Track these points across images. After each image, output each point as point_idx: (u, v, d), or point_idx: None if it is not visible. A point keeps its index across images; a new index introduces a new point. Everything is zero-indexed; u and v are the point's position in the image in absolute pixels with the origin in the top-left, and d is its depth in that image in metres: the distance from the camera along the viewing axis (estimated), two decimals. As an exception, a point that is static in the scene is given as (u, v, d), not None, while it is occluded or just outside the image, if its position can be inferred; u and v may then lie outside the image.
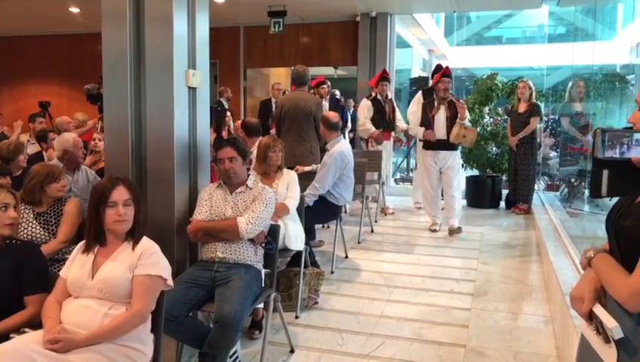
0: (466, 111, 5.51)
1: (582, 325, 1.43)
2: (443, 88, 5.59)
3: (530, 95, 6.62)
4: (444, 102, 5.62)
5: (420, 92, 6.55)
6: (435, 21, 13.33)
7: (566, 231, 5.12)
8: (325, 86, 7.27)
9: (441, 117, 5.63)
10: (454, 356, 3.15)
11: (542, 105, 7.26)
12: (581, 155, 6.70)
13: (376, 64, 8.84)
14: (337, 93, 8.50)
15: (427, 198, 6.02)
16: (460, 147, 5.98)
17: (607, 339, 1.29)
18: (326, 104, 7.34)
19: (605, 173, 1.45)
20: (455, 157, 5.78)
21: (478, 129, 6.89)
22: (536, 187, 7.41)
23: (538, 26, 18.57)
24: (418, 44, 13.29)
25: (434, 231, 5.92)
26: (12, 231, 2.34)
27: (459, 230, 5.75)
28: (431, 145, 5.75)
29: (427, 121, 5.71)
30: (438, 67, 6.71)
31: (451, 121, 5.58)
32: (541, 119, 7.04)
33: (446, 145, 5.62)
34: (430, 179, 5.88)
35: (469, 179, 7.49)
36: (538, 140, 7.17)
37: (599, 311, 1.32)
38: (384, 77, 6.90)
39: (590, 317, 1.35)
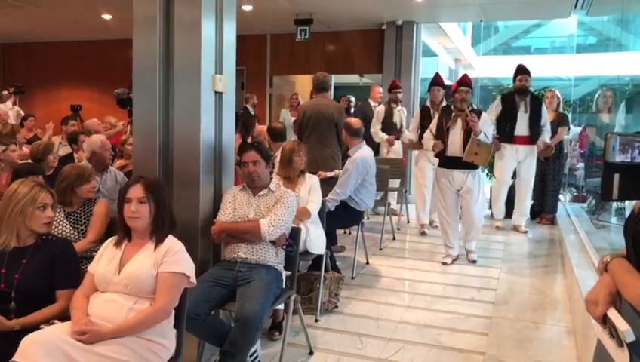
0: (478, 125, 4.64)
1: (597, 329, 1.44)
2: (460, 99, 4.81)
3: (558, 105, 6.60)
4: (461, 115, 4.81)
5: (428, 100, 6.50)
6: (462, 30, 13.29)
7: (592, 243, 5.05)
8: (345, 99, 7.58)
9: (457, 131, 4.83)
10: (473, 363, 3.14)
11: (569, 115, 7.21)
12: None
13: (401, 72, 8.86)
14: (352, 99, 8.53)
15: (442, 224, 5.18)
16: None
17: (620, 343, 1.29)
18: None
19: (616, 176, 1.46)
20: (475, 179, 4.90)
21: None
22: (561, 198, 7.32)
23: (568, 36, 18.35)
24: (444, 53, 13.26)
25: (444, 264, 5.05)
26: (48, 229, 2.44)
27: (474, 262, 5.12)
28: (444, 162, 4.95)
29: (441, 134, 4.90)
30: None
31: (469, 135, 4.82)
32: (569, 129, 6.97)
33: (461, 163, 4.78)
34: (445, 202, 5.03)
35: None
36: (565, 151, 7.09)
37: (613, 314, 1.33)
38: (396, 85, 7.13)
39: (604, 320, 1.36)
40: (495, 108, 6.22)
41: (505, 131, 6.07)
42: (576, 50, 15.47)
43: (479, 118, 4.72)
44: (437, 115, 5.17)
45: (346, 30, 9.49)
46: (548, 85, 7.54)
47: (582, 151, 7.96)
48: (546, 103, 6.66)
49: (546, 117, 6.14)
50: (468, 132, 4.70)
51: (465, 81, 4.92)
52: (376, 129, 6.89)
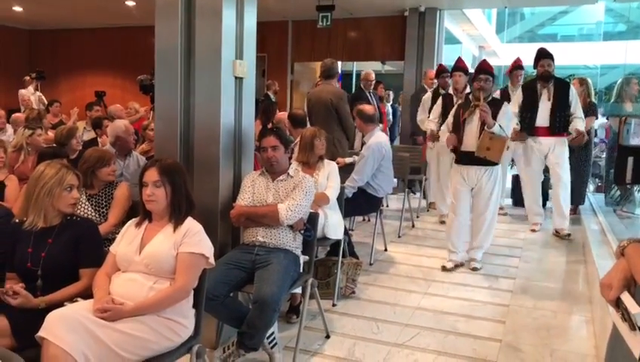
0: (490, 116, 4.14)
1: (612, 313, 1.43)
2: (478, 88, 4.28)
3: (588, 94, 6.35)
4: (479, 105, 4.25)
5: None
6: (486, 17, 13.10)
7: (614, 233, 4.98)
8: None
9: (473, 123, 4.31)
10: (489, 350, 3.15)
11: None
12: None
13: (423, 60, 8.80)
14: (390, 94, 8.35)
15: (449, 225, 4.67)
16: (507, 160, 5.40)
17: (632, 326, 1.29)
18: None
19: (630, 160, 1.45)
20: (491, 178, 4.38)
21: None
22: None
23: (596, 23, 17.95)
24: (468, 40, 13.10)
25: (444, 269, 4.54)
26: (74, 210, 2.51)
27: (475, 269, 4.53)
28: (459, 157, 4.48)
29: (457, 127, 4.43)
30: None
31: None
32: (597, 118, 6.80)
33: (476, 159, 4.27)
34: (457, 201, 4.54)
35: (516, 178, 7.36)
36: (592, 140, 6.95)
37: (626, 298, 1.32)
38: (443, 69, 6.64)
39: (617, 304, 1.36)
40: (516, 98, 5.67)
41: (525, 122, 5.53)
42: (603, 38, 15.14)
43: (499, 109, 4.25)
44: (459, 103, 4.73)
45: (368, 16, 9.44)
46: (573, 73, 7.40)
47: (605, 141, 7.83)
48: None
49: (577, 103, 5.39)
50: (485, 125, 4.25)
51: (484, 68, 4.36)
52: (422, 118, 6.47)
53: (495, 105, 4.25)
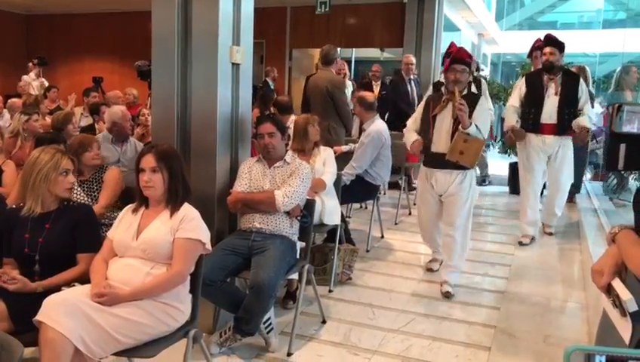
0: (466, 115, 3.44)
1: (603, 299, 1.46)
2: (452, 80, 3.57)
3: (585, 82, 6.28)
4: (453, 99, 3.54)
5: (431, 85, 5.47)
6: (486, 5, 13.03)
7: (610, 221, 5.01)
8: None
9: (445, 120, 3.62)
10: (483, 336, 3.18)
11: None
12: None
13: (422, 47, 8.75)
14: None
15: (421, 231, 4.21)
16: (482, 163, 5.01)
17: (623, 312, 1.31)
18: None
19: (622, 147, 1.46)
20: (463, 183, 3.67)
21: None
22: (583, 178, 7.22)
23: (596, 11, 17.88)
24: (467, 28, 13.03)
25: (430, 270, 4.19)
26: (70, 195, 2.52)
27: (447, 295, 3.72)
28: (427, 159, 3.80)
29: (426, 124, 3.72)
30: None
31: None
32: (593, 107, 6.79)
33: (445, 162, 3.57)
34: (425, 208, 3.94)
35: (512, 166, 7.37)
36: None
37: (617, 284, 1.34)
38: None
39: (609, 290, 1.38)
40: (518, 90, 4.97)
41: (529, 118, 4.83)
42: (602, 26, 15.08)
43: (475, 105, 3.58)
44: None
45: (367, 3, 9.39)
46: (572, 61, 7.38)
47: (604, 130, 7.83)
48: None
49: (586, 99, 4.77)
50: (459, 122, 3.52)
51: (460, 57, 3.66)
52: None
53: (470, 100, 3.55)
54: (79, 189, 3.19)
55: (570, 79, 4.80)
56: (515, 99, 4.95)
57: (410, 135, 3.80)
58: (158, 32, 3.10)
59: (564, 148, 4.83)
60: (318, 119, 3.92)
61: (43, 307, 2.00)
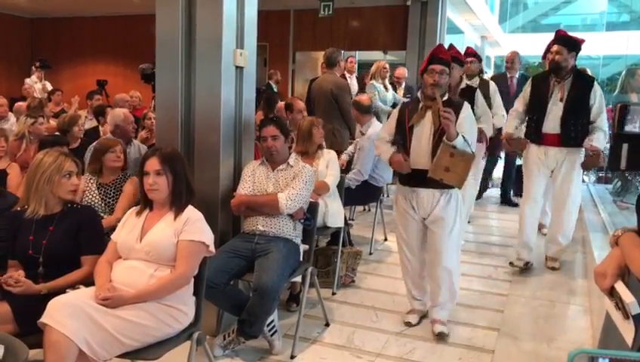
0: (454, 125, 2.89)
1: (606, 302, 1.46)
2: (431, 83, 3.02)
3: None
4: (432, 107, 3.03)
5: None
6: (489, 7, 13.04)
7: (614, 224, 4.99)
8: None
9: (424, 130, 3.05)
10: (487, 339, 3.18)
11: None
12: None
13: (425, 50, 8.73)
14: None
15: (403, 265, 3.43)
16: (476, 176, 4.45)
17: (626, 315, 1.31)
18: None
19: (625, 146, 1.47)
20: (449, 204, 3.10)
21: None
22: (585, 179, 7.21)
23: (600, 13, 17.86)
24: (470, 30, 13.04)
25: (408, 324, 3.35)
26: (74, 197, 2.53)
27: (441, 336, 3.16)
28: (404, 177, 3.18)
29: (402, 136, 3.13)
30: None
31: (441, 138, 2.96)
32: None
33: (427, 180, 2.99)
34: (407, 235, 3.28)
35: (518, 169, 7.36)
36: None
37: (620, 287, 1.35)
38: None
39: (611, 293, 1.38)
40: (523, 93, 4.39)
41: (530, 126, 4.27)
42: (606, 28, 15.06)
43: (458, 113, 3.03)
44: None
45: (370, 6, 9.40)
46: (576, 64, 7.36)
47: (609, 133, 7.82)
48: None
49: (601, 109, 3.95)
50: (441, 133, 2.96)
51: (439, 57, 3.09)
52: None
53: (452, 108, 2.97)
54: (96, 191, 3.22)
55: (582, 83, 4.04)
56: (519, 104, 4.41)
57: (385, 147, 3.20)
58: (162, 35, 3.12)
59: (570, 162, 4.08)
60: (322, 122, 3.93)
61: (47, 309, 2.01)
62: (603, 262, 1.45)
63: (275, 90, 8.50)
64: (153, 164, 2.37)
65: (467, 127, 3.02)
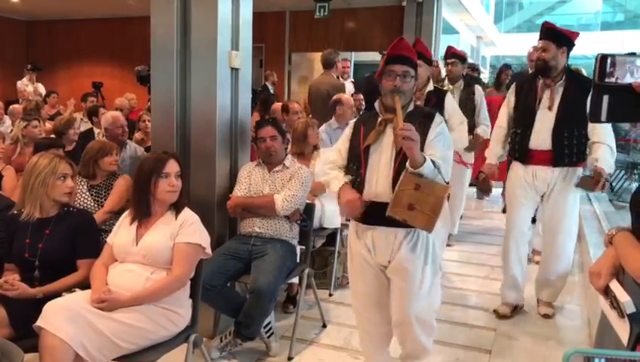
0: (417, 146, 2.12)
1: (601, 301, 1.46)
2: (390, 88, 2.28)
3: None
4: (393, 120, 2.24)
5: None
6: (484, 7, 13.07)
7: (610, 223, 5.01)
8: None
9: (383, 152, 2.30)
10: (484, 339, 3.18)
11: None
12: (631, 147, 6.52)
13: (421, 50, 8.76)
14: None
15: (361, 330, 2.60)
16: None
17: (621, 314, 1.32)
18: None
19: (605, 98, 1.47)
20: (417, 247, 2.31)
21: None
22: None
23: (595, 13, 17.94)
24: (466, 30, 13.08)
25: None
26: (70, 199, 2.52)
27: None
28: (360, 214, 2.34)
29: (356, 159, 2.37)
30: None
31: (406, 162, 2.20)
32: None
33: (387, 217, 2.19)
34: (363, 285, 2.46)
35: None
36: None
37: (614, 286, 1.35)
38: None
39: (606, 292, 1.39)
40: (507, 102, 3.53)
41: (515, 142, 3.41)
42: (601, 28, 15.12)
43: (428, 129, 2.28)
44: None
45: (366, 7, 9.41)
46: (570, 63, 7.38)
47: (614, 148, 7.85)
48: None
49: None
50: (405, 156, 2.16)
51: (400, 54, 2.31)
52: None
53: (420, 121, 2.27)
54: (87, 194, 3.21)
55: (577, 87, 3.18)
56: (503, 118, 3.52)
57: (333, 174, 2.43)
58: (157, 38, 3.11)
59: (564, 186, 3.29)
60: (317, 123, 3.94)
61: (43, 313, 2.01)
62: (597, 262, 1.46)
63: (272, 91, 8.50)
64: (173, 166, 2.38)
65: (440, 148, 2.25)
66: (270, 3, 9.19)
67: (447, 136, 2.33)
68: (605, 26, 15.46)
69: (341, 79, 6.83)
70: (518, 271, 3.52)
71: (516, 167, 3.44)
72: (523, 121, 3.35)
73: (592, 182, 3.09)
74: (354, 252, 2.46)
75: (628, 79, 1.43)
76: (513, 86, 3.54)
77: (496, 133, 3.57)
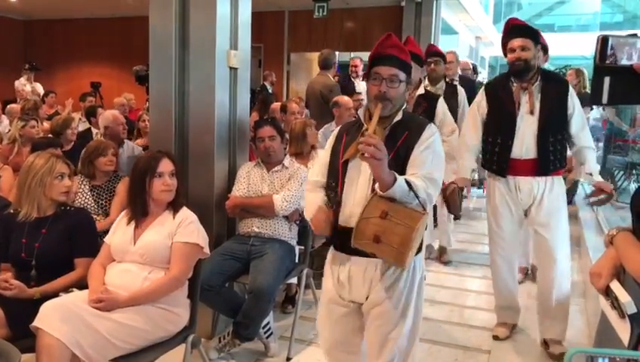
0: (383, 164, 1.73)
1: (601, 301, 1.45)
2: (375, 94, 1.93)
3: (583, 85, 6.24)
4: (378, 131, 1.88)
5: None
6: (483, 7, 13.08)
7: (609, 225, 5.01)
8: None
9: (362, 169, 1.93)
10: (483, 339, 3.18)
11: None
12: (630, 148, 6.52)
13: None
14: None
15: None
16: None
17: (621, 314, 1.31)
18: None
19: (607, 80, 1.46)
20: (398, 283, 1.95)
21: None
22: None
23: (594, 14, 17.96)
24: (465, 31, 13.08)
25: None
26: (67, 199, 2.51)
27: None
28: (335, 238, 2.01)
29: (334, 176, 2.02)
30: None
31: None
32: (592, 109, 6.79)
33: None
34: (331, 336, 2.13)
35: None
36: None
37: (615, 286, 1.34)
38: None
39: (607, 292, 1.38)
40: (475, 111, 3.14)
41: (494, 153, 3.04)
42: (600, 28, 15.14)
43: (415, 141, 1.94)
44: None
45: (365, 7, 9.40)
46: (569, 64, 7.39)
47: (603, 132, 7.86)
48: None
49: (580, 116, 2.93)
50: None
51: (387, 54, 1.99)
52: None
53: (408, 132, 1.95)
54: (89, 194, 3.20)
55: (554, 87, 2.94)
56: (472, 128, 3.14)
57: (311, 195, 2.08)
58: (156, 37, 3.10)
59: (552, 196, 2.96)
60: (315, 122, 3.93)
61: (40, 313, 1.99)
62: (598, 262, 1.45)
63: (270, 91, 8.49)
64: (167, 165, 2.36)
65: (426, 165, 1.89)
66: (269, 3, 9.18)
67: (438, 152, 1.94)
68: (604, 26, 15.48)
69: (354, 80, 6.78)
70: (511, 286, 3.20)
71: (495, 182, 3.08)
72: (502, 128, 2.97)
73: (605, 200, 2.89)
74: (323, 289, 2.10)
75: (628, 61, 1.43)
76: (482, 90, 3.15)
77: (466, 143, 3.16)
